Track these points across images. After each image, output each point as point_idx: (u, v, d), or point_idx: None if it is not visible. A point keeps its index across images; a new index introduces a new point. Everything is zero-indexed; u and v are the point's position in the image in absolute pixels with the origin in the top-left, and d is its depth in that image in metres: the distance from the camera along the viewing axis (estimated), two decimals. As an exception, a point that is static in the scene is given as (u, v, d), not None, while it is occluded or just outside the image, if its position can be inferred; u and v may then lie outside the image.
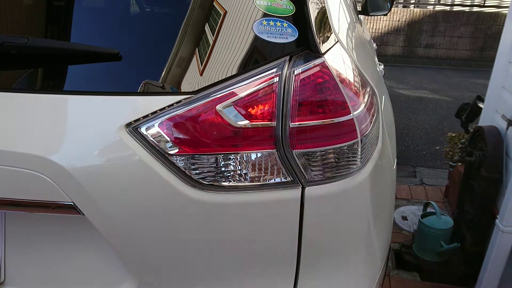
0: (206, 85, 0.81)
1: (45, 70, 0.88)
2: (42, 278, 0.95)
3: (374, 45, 2.76)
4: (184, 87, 0.82)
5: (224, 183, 0.82)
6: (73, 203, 0.82)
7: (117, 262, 0.89)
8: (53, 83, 0.89)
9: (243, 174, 0.82)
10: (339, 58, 0.91)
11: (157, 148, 0.80)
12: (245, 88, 0.80)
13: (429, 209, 2.31)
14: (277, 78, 0.81)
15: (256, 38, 0.83)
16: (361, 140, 0.86)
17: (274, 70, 0.81)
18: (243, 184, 0.82)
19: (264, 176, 0.82)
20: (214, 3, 0.87)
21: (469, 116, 2.71)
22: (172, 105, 0.80)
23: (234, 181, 0.82)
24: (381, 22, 8.92)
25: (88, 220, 0.83)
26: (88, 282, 0.94)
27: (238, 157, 0.81)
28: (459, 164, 2.50)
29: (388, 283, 2.05)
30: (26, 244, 0.94)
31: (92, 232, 0.85)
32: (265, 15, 0.84)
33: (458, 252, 2.16)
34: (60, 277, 0.95)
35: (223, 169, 0.81)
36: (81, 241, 0.91)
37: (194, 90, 0.81)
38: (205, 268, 0.89)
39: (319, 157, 0.83)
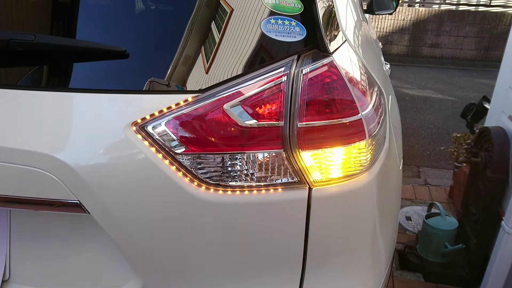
0: (214, 84, 0.80)
1: (51, 67, 0.88)
2: (46, 276, 0.95)
3: (380, 44, 2.75)
4: (191, 85, 0.81)
5: (230, 183, 0.81)
6: (79, 202, 0.81)
7: (122, 261, 0.89)
8: (59, 80, 0.89)
9: (250, 174, 0.82)
10: (347, 58, 0.90)
11: (163, 147, 0.79)
12: (252, 87, 0.80)
13: (433, 210, 2.30)
14: (285, 77, 0.80)
15: (264, 37, 0.82)
16: (369, 140, 0.85)
17: (282, 69, 0.81)
18: (249, 184, 0.82)
19: (271, 176, 0.82)
20: (221, 1, 0.86)
21: (475, 117, 2.70)
22: (179, 104, 0.80)
23: (240, 181, 0.82)
24: (386, 21, 8.88)
25: (93, 218, 0.83)
26: (92, 281, 0.94)
27: (245, 157, 0.81)
28: (464, 164, 2.49)
29: (392, 283, 2.04)
30: (31, 242, 0.94)
31: (98, 231, 0.85)
32: (273, 13, 0.83)
33: (463, 253, 2.15)
34: (65, 275, 0.95)
35: (229, 168, 0.81)
36: (86, 239, 0.90)
37: (202, 88, 0.80)
38: (210, 268, 0.89)
39: (326, 158, 0.82)
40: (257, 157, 0.81)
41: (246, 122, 0.79)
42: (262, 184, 0.82)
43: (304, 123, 0.80)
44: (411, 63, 8.66)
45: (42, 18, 0.90)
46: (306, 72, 0.81)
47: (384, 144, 0.97)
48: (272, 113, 0.79)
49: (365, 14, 2.14)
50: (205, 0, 0.86)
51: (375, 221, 0.94)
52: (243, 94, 0.79)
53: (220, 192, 0.81)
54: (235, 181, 0.81)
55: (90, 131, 0.80)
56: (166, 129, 0.79)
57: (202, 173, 0.81)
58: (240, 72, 0.81)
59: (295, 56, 0.82)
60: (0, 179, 0.82)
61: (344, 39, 0.95)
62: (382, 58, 1.88)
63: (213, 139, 0.79)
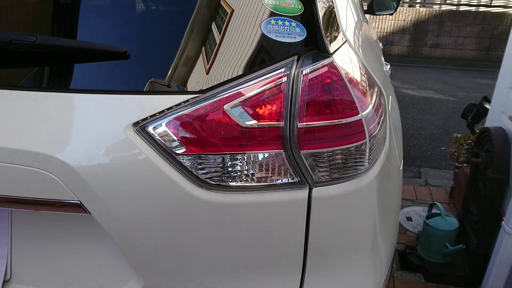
0: (214, 84, 0.80)
1: (53, 68, 0.88)
2: (48, 276, 0.96)
3: (380, 44, 2.75)
4: (192, 86, 0.81)
5: (231, 183, 0.81)
6: (80, 202, 0.82)
7: (122, 261, 0.89)
8: (60, 81, 0.89)
9: (250, 174, 0.82)
10: (347, 58, 0.91)
11: (164, 147, 0.80)
12: (253, 88, 0.80)
13: (434, 210, 2.30)
14: (285, 78, 0.80)
15: (264, 38, 0.82)
16: (369, 141, 0.85)
17: (282, 69, 0.81)
18: (250, 184, 0.82)
19: (271, 176, 0.82)
20: (221, 2, 0.86)
21: (475, 117, 2.70)
22: (179, 104, 0.80)
23: (241, 181, 0.82)
24: (386, 22, 8.89)
25: (94, 219, 0.83)
26: (93, 281, 0.94)
27: (245, 157, 0.81)
28: (465, 165, 2.49)
29: (392, 284, 2.04)
30: (32, 242, 0.94)
31: (98, 231, 0.85)
32: (273, 14, 0.83)
33: (463, 253, 2.15)
34: (65, 275, 0.95)
35: (230, 169, 0.81)
36: (87, 239, 0.91)
37: (202, 89, 0.81)
38: (211, 268, 0.89)
39: (326, 158, 0.82)
40: (258, 158, 0.81)
41: (246, 122, 0.79)
42: (262, 184, 0.82)
43: (304, 123, 0.80)
44: (411, 63, 8.67)
45: (43, 19, 0.91)
46: (306, 72, 0.81)
47: (385, 144, 0.97)
48: (273, 113, 0.80)
49: (365, 15, 2.15)
50: (206, 1, 0.87)
51: (376, 222, 0.94)
52: (244, 95, 0.79)
53: (221, 192, 0.81)
54: (236, 181, 0.82)
55: (91, 131, 0.80)
56: (167, 130, 0.79)
57: (202, 174, 0.81)
58: (240, 72, 0.81)
59: (295, 57, 0.82)
60: (1, 180, 0.82)
61: (344, 40, 0.95)
62: (383, 59, 1.88)
63: (213, 139, 0.80)
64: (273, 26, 0.83)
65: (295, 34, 0.83)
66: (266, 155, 0.81)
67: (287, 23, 0.83)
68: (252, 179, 0.82)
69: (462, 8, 9.63)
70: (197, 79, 0.82)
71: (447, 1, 9.88)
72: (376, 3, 2.25)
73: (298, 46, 0.83)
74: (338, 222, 0.89)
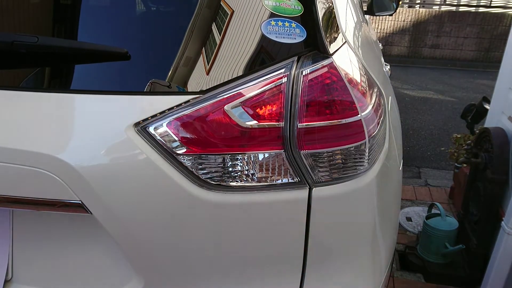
0: (215, 85, 0.81)
1: (54, 68, 0.88)
2: (49, 276, 0.96)
3: (380, 45, 2.76)
4: (192, 87, 0.82)
5: (231, 183, 0.82)
6: (81, 202, 0.82)
7: (123, 261, 0.90)
8: (61, 81, 0.89)
9: (251, 174, 0.82)
10: (347, 59, 0.91)
11: (165, 147, 0.80)
12: (253, 88, 0.80)
13: (434, 210, 2.31)
14: (285, 78, 0.81)
15: (264, 38, 0.83)
16: (369, 141, 0.86)
17: (282, 70, 0.81)
18: (250, 184, 0.82)
19: (271, 176, 0.83)
20: (221, 3, 0.87)
21: (475, 117, 2.70)
22: (180, 104, 0.80)
23: (241, 181, 0.82)
24: (386, 22, 8.90)
25: (95, 219, 0.84)
26: (94, 280, 0.95)
27: (246, 157, 0.81)
28: (465, 165, 2.49)
29: (392, 284, 2.05)
30: (33, 242, 0.94)
31: (99, 231, 0.86)
32: (273, 15, 0.84)
33: (463, 254, 2.16)
34: (67, 275, 0.95)
35: (230, 169, 0.81)
36: (88, 239, 0.91)
37: (203, 90, 0.81)
38: (211, 268, 0.89)
39: (326, 158, 0.83)
40: (258, 158, 0.82)
41: (246, 123, 0.80)
42: (262, 184, 0.83)
43: (304, 123, 0.80)
44: (411, 64, 8.68)
45: (44, 20, 0.91)
46: (306, 73, 0.81)
47: (384, 144, 0.98)
48: (273, 114, 0.80)
49: (365, 15, 2.15)
50: (206, 1, 0.87)
51: (375, 222, 0.95)
52: (244, 95, 0.80)
53: (221, 192, 0.82)
54: (236, 181, 0.82)
55: (92, 132, 0.81)
56: (168, 130, 0.80)
57: (203, 174, 0.81)
58: (241, 73, 0.81)
59: (295, 58, 0.83)
60: (2, 180, 0.83)
61: (344, 41, 0.95)
62: (382, 59, 1.88)
63: (214, 139, 0.80)
64: (273, 27, 0.83)
65: (295, 35, 0.83)
66: (266, 155, 0.82)
67: (287, 24, 0.84)
68: (252, 179, 0.82)
69: (462, 8, 9.64)
70: (198, 79, 0.82)
71: (447, 2, 9.89)
72: (375, 3, 2.26)
73: (298, 47, 0.83)
74: (338, 222, 0.89)
